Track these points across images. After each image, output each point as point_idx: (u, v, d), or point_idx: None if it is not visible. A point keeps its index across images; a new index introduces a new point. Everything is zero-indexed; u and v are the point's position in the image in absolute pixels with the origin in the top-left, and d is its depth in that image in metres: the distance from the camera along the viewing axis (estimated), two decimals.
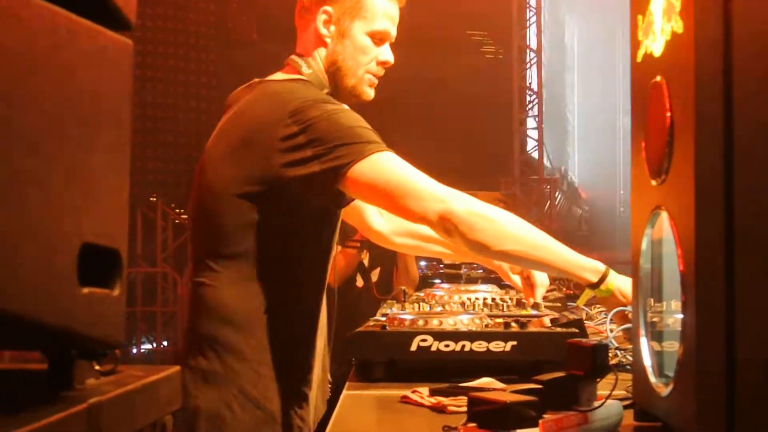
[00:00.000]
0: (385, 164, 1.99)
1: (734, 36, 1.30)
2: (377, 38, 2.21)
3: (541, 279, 2.54)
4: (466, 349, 2.02)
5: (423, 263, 4.97)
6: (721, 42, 1.31)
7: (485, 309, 2.54)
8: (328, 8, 2.18)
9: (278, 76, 2.25)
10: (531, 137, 10.44)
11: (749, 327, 1.29)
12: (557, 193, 9.72)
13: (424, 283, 4.55)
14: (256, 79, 2.25)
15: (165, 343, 9.06)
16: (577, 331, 2.02)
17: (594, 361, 1.51)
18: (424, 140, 9.63)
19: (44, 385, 0.93)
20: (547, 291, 2.70)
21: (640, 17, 1.57)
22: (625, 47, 1.66)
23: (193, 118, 8.80)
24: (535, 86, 10.60)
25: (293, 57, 2.24)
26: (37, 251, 0.78)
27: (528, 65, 10.30)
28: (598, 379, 1.54)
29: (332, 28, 2.18)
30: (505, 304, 2.56)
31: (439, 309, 2.54)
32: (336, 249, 2.39)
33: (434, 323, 2.10)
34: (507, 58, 10.50)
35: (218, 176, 2.09)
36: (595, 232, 10.12)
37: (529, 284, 2.54)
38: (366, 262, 4.25)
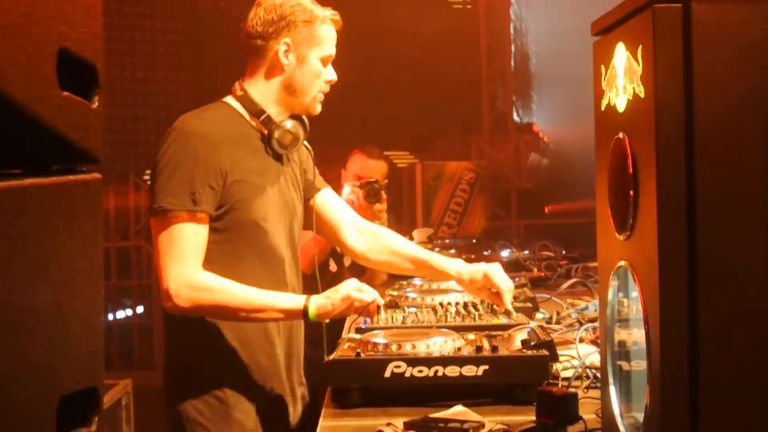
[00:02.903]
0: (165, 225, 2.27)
1: (695, 104, 1.32)
2: (325, 61, 2.47)
3: (506, 285, 2.53)
4: (439, 374, 2.06)
5: None
6: (682, 110, 1.32)
7: (457, 318, 2.58)
8: (288, 39, 2.41)
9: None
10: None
11: (712, 382, 1.33)
12: (530, 153, 9.66)
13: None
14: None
15: (140, 309, 9.07)
16: (547, 354, 2.06)
17: (564, 410, 1.55)
18: (390, 98, 9.51)
19: None
20: (516, 289, 2.74)
21: (603, 67, 1.58)
22: None
23: (162, 90, 8.72)
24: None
25: (236, 84, 2.48)
26: (19, 416, 0.81)
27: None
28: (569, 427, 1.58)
29: (291, 56, 2.42)
30: (477, 313, 2.60)
31: (411, 318, 2.58)
32: (300, 241, 2.56)
33: (407, 348, 2.12)
34: (475, 11, 10.30)
35: None
36: (563, 183, 10.00)
37: (495, 293, 2.54)
38: (338, 247, 4.25)
